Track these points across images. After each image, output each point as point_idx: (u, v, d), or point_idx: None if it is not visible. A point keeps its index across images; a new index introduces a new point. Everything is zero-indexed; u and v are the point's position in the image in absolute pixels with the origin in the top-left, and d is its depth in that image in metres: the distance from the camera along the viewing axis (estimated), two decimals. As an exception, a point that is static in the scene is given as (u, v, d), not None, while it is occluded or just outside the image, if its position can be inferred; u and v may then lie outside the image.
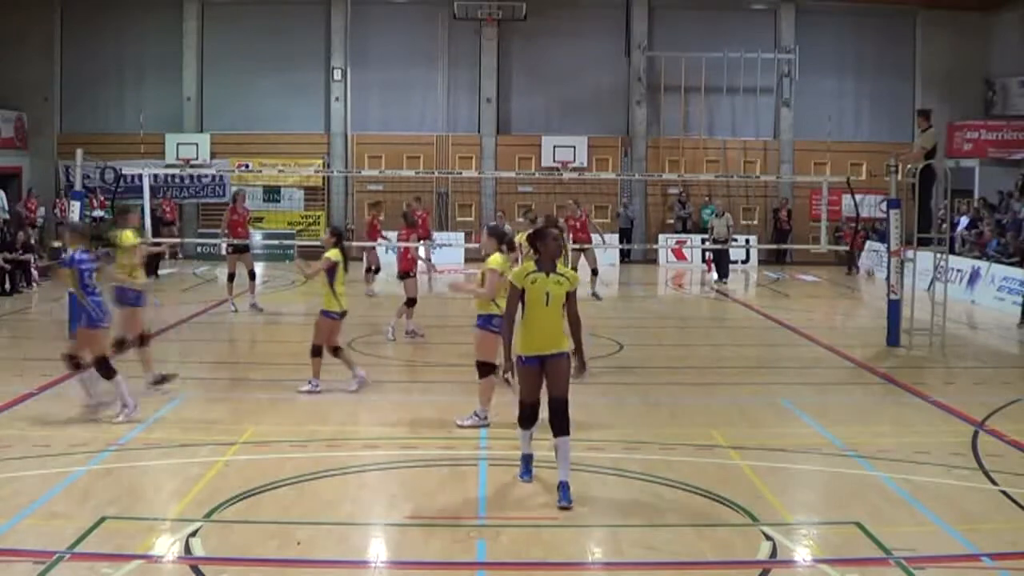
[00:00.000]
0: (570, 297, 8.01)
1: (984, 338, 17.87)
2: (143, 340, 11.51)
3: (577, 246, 18.55)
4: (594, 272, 19.06)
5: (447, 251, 26.02)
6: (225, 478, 8.40)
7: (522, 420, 8.22)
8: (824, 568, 6.69)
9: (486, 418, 10.10)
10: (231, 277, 18.47)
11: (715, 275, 25.16)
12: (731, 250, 26.03)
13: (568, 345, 8.06)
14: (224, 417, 10.58)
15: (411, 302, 15.38)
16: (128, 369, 10.83)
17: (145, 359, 11.50)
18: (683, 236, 29.53)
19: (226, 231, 18.58)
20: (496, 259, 10.07)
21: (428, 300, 18.91)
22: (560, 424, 7.85)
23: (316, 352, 11.58)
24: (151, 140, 29.25)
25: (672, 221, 30.43)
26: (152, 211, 20.12)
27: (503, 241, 10.31)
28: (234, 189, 23.91)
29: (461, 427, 10.08)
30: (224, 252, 19.61)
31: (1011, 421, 10.60)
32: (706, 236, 27.06)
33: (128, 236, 11.88)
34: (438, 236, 27.07)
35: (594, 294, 18.69)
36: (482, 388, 10.14)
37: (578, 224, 19.37)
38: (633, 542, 7.16)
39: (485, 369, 10.04)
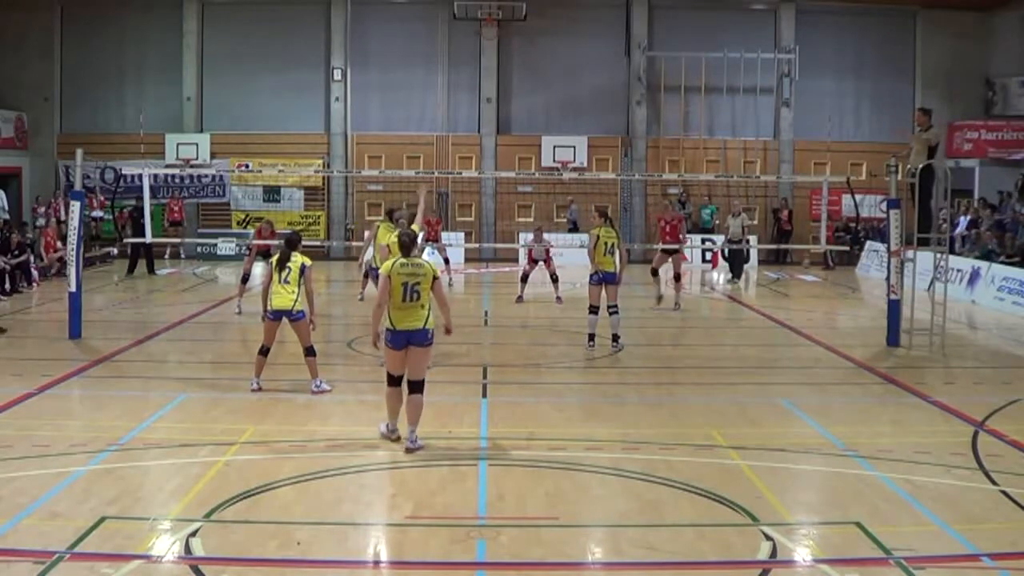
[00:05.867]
0: None
1: (984, 338, 17.87)
2: None
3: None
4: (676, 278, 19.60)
5: (447, 251, 25.92)
6: (225, 478, 8.40)
7: None
8: (824, 568, 6.68)
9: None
10: (246, 278, 18.37)
11: (718, 273, 25.20)
12: (737, 250, 25.79)
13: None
14: (224, 417, 10.58)
15: None
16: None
17: None
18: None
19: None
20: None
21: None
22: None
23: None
24: (151, 140, 29.27)
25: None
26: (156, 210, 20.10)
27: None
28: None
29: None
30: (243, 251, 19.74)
31: (1011, 421, 10.60)
32: (706, 236, 26.97)
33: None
34: (436, 236, 27.03)
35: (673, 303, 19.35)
36: None
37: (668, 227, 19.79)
38: (633, 542, 7.16)
39: None
